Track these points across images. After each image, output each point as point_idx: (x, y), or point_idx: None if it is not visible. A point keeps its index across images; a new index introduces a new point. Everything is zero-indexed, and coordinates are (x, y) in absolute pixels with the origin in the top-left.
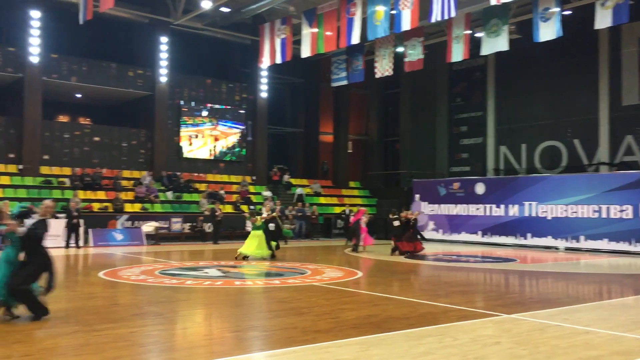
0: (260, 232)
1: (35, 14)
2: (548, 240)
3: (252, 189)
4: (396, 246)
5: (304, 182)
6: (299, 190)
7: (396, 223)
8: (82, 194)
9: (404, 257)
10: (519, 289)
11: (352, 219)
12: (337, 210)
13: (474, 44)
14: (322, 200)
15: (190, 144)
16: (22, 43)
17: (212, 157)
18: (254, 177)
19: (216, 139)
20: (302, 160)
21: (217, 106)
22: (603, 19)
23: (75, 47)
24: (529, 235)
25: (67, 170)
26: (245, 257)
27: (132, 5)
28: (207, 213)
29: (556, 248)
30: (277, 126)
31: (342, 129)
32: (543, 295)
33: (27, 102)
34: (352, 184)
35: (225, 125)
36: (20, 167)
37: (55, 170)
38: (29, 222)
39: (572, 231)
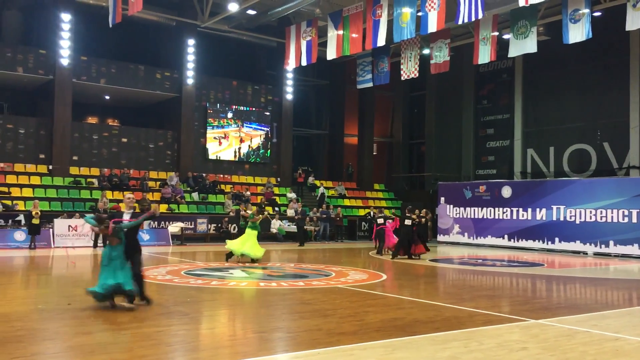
0: (255, 232)
1: (65, 17)
2: (576, 245)
3: (276, 190)
4: (409, 248)
5: (329, 184)
6: (321, 190)
7: (407, 222)
8: (109, 194)
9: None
10: (546, 294)
11: (386, 226)
12: (362, 212)
13: (502, 46)
14: (347, 202)
15: (220, 144)
16: (52, 46)
17: (237, 159)
18: (279, 179)
19: (241, 141)
20: (326, 162)
21: (242, 108)
22: (634, 21)
23: (104, 49)
24: (556, 239)
25: (95, 171)
26: (242, 255)
27: (160, 9)
28: (232, 214)
29: (585, 253)
30: (302, 128)
31: (367, 131)
32: (571, 301)
33: (57, 103)
34: (376, 186)
35: (250, 127)
36: (50, 167)
37: (84, 170)
38: (126, 217)
39: (601, 236)
